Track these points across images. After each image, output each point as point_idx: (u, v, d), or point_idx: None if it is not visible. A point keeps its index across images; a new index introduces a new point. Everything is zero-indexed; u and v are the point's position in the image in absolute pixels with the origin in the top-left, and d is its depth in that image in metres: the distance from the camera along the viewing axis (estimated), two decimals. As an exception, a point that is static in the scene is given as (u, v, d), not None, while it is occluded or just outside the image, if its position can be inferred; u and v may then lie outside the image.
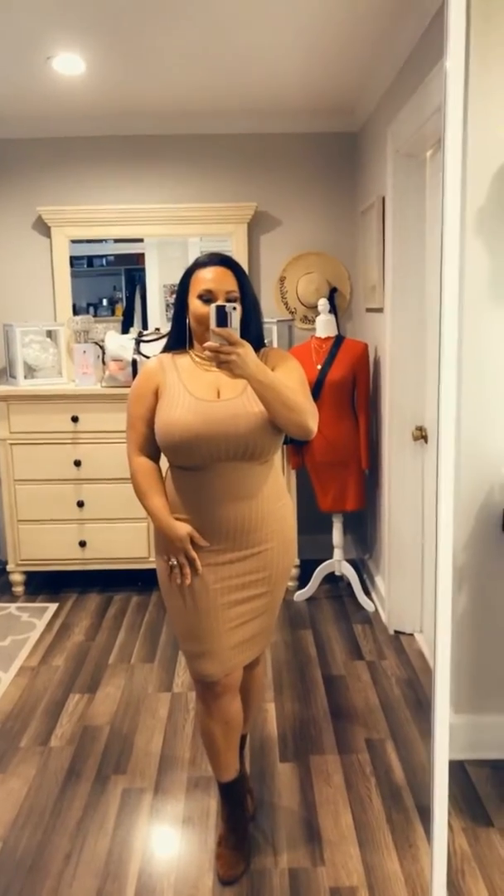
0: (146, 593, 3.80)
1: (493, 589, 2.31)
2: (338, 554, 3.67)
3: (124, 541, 3.71)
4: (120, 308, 4.16)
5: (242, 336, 1.66)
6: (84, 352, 3.72)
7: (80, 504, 3.69)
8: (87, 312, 4.08)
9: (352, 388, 3.47)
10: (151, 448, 1.86)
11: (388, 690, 2.82)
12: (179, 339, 1.89)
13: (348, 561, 3.74)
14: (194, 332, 1.84)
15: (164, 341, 1.99)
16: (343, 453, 3.48)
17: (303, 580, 3.72)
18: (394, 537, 3.27)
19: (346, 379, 3.42)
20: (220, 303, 1.68)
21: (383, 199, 3.22)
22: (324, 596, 3.73)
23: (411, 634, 3.28)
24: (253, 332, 1.82)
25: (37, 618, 3.53)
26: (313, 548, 3.85)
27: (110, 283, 4.18)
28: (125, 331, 4.00)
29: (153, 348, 3.52)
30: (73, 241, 4.01)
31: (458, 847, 1.99)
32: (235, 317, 1.64)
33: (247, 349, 1.63)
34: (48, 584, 3.90)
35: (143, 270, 4.09)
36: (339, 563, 3.67)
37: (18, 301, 4.04)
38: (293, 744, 2.49)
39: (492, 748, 2.36)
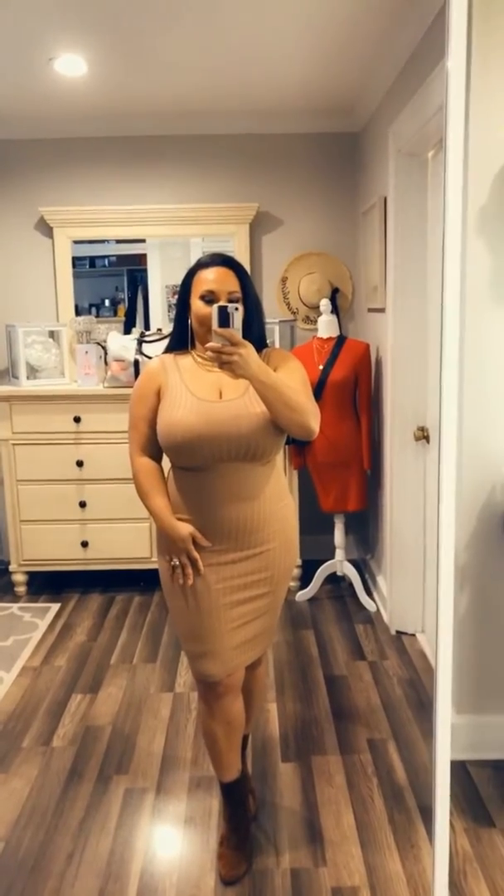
0: (148, 593, 3.80)
1: (495, 589, 2.30)
2: (339, 554, 3.67)
3: (126, 541, 3.72)
4: (122, 308, 4.17)
5: (244, 336, 1.66)
6: (86, 352, 3.73)
7: (83, 504, 3.69)
8: (90, 313, 4.09)
9: (354, 389, 3.47)
10: (154, 448, 1.87)
11: (390, 690, 2.82)
12: (181, 340, 1.89)
13: (350, 561, 3.74)
14: (196, 333, 1.84)
15: (166, 342, 1.99)
16: (345, 453, 3.48)
17: (305, 580, 3.72)
18: (395, 537, 3.27)
19: (347, 379, 3.42)
20: (222, 303, 1.68)
21: (385, 199, 3.22)
22: (325, 596, 3.73)
23: (413, 634, 3.28)
24: (255, 332, 1.82)
25: (39, 618, 3.54)
26: (315, 548, 3.85)
27: (112, 283, 4.19)
28: (127, 331, 4.00)
29: (155, 349, 3.53)
30: (76, 242, 4.02)
31: (459, 847, 1.99)
32: (237, 317, 1.64)
33: (249, 350, 1.63)
34: (50, 584, 3.91)
35: (145, 271, 4.10)
36: (340, 563, 3.67)
37: (21, 302, 4.04)
38: (295, 744, 2.49)
39: (494, 748, 2.36)
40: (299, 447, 3.53)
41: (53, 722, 2.65)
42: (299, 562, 3.70)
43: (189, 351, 1.89)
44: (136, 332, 3.85)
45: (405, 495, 3.21)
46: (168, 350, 1.93)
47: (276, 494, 1.86)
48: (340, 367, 3.42)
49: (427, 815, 2.06)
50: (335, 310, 3.69)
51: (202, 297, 1.78)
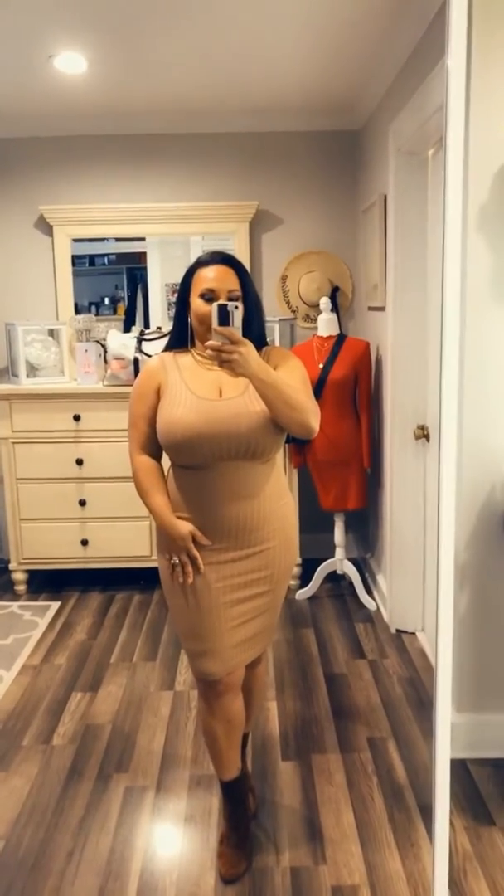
0: (148, 592, 3.80)
1: (495, 588, 2.31)
2: (339, 553, 3.67)
3: (126, 539, 3.72)
4: (122, 307, 4.16)
5: (244, 335, 1.66)
6: (86, 350, 3.72)
7: (82, 503, 3.69)
8: (89, 311, 4.08)
9: (354, 387, 3.47)
10: (153, 447, 1.87)
11: (390, 689, 2.82)
12: (181, 338, 1.89)
13: (350, 560, 3.74)
14: (196, 331, 1.84)
15: (165, 340, 1.99)
16: (345, 452, 3.48)
17: (304, 579, 3.73)
18: (395, 536, 3.27)
19: (347, 378, 3.42)
20: (221, 301, 1.68)
21: (385, 198, 3.22)
22: (325, 595, 3.74)
23: (413, 633, 3.28)
24: (255, 330, 1.82)
25: (39, 616, 3.54)
26: (315, 546, 3.85)
27: (112, 281, 4.19)
28: (127, 329, 4.01)
29: (155, 347, 3.53)
30: (75, 240, 4.02)
31: (459, 846, 1.99)
32: (237, 315, 1.64)
33: (248, 348, 1.63)
34: (50, 582, 3.91)
35: (144, 269, 4.09)
36: (340, 561, 3.67)
37: (20, 300, 4.04)
38: (295, 742, 2.49)
39: (494, 747, 2.36)
40: (299, 446, 3.53)
41: (53, 720, 2.66)
42: (299, 560, 3.70)
43: (189, 349, 1.89)
44: (135, 330, 3.85)
45: (405, 494, 3.20)
46: (168, 348, 1.92)
47: (276, 493, 1.86)
48: (340, 365, 3.42)
49: (427, 813, 2.07)
50: (335, 308, 3.69)
51: (202, 296, 1.78)
